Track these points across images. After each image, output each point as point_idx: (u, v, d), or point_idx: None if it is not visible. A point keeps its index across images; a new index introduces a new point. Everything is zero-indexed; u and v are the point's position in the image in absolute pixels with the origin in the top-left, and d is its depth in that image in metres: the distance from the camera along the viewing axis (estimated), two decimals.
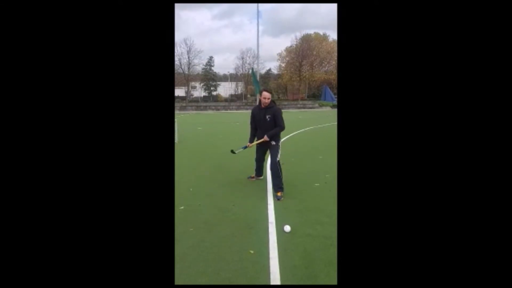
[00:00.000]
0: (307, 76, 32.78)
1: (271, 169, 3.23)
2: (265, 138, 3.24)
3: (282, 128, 3.27)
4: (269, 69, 39.95)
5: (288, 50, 35.01)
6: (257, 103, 3.48)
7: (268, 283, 1.71)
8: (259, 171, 3.76)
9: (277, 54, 36.46)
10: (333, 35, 35.93)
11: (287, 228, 2.34)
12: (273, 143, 3.27)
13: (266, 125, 3.27)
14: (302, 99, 30.14)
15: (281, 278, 1.74)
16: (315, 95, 33.78)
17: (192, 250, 2.07)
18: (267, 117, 3.26)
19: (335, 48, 33.88)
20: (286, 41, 54.23)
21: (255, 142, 3.39)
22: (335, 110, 21.74)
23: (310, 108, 24.62)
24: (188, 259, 1.95)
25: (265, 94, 3.25)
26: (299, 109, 23.84)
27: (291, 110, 22.57)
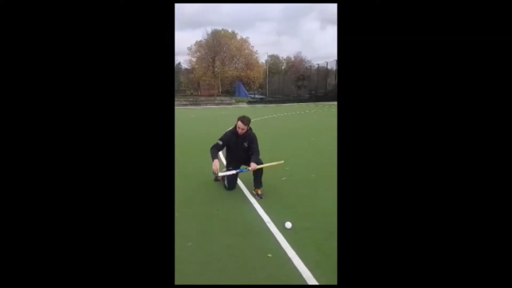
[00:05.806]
0: (219, 72, 32.85)
1: (258, 167, 3.10)
2: (255, 166, 3.00)
3: (259, 153, 3.22)
4: (179, 63, 38.21)
5: (199, 45, 34.21)
6: (230, 130, 3.22)
7: (304, 283, 1.68)
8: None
9: (187, 48, 35.18)
10: (241, 33, 36.90)
11: (289, 224, 2.33)
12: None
13: (243, 152, 3.20)
14: (218, 95, 30.03)
15: (314, 276, 1.74)
16: (229, 91, 34.23)
17: (203, 263, 1.84)
18: (245, 144, 3.20)
19: (244, 46, 35.02)
20: (195, 36, 52.78)
21: (250, 169, 3.03)
22: (252, 106, 22.60)
23: (228, 104, 24.77)
24: (208, 269, 1.73)
25: (240, 124, 3.11)
26: (218, 105, 23.61)
27: (209, 106, 22.17)
